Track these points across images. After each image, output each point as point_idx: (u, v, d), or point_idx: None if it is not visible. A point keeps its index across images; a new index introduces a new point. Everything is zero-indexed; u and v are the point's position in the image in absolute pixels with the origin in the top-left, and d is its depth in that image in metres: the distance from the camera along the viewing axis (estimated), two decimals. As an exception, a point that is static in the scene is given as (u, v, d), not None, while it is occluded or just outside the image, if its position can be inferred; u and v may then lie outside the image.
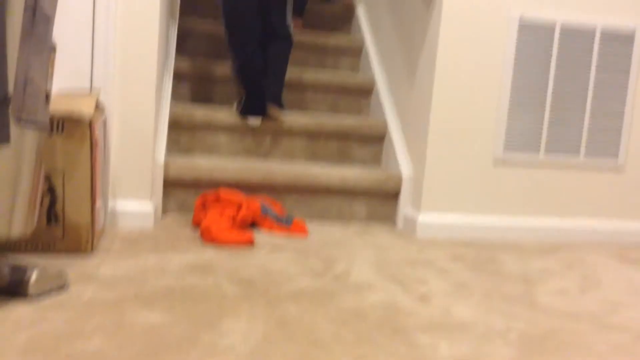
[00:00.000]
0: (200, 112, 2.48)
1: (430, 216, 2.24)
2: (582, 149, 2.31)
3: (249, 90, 2.46)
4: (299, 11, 2.85)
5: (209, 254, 1.76)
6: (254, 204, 2.15)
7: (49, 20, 1.28)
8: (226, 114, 2.50)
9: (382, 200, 2.41)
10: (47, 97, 1.30)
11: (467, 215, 2.27)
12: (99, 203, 1.68)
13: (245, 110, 2.48)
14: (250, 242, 1.89)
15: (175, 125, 2.45)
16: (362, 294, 1.48)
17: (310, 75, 2.88)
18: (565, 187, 2.33)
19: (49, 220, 1.55)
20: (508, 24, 2.20)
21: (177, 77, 2.72)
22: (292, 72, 2.84)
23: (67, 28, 1.88)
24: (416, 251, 1.98)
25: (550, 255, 2.07)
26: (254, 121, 2.48)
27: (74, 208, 1.57)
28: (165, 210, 2.24)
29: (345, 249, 1.94)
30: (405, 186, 2.36)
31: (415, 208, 2.29)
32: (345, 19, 3.48)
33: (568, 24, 2.23)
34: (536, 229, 2.31)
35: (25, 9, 1.22)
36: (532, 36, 2.22)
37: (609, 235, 2.37)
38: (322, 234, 2.14)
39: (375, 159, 2.66)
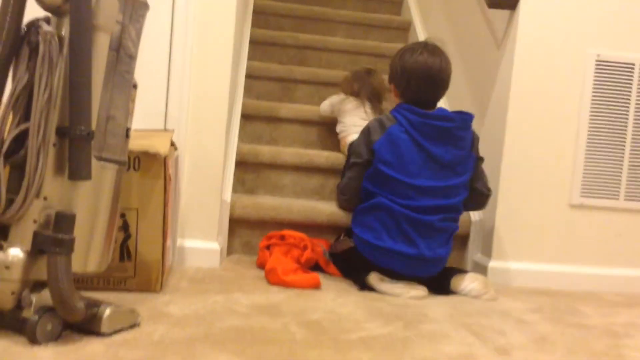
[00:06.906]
0: (267, 151, 2.48)
1: (502, 263, 2.14)
2: (666, 195, 2.18)
3: None
4: None
5: (276, 295, 1.72)
6: (318, 246, 2.11)
7: (132, 59, 1.31)
8: (291, 154, 2.49)
9: (450, 245, 2.32)
10: (127, 133, 1.32)
11: (542, 263, 2.16)
12: (169, 241, 1.69)
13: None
14: (317, 285, 1.85)
15: (241, 165, 2.46)
16: (436, 344, 1.41)
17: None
18: (645, 235, 2.20)
19: (122, 257, 1.56)
20: (585, 63, 2.13)
21: (244, 117, 2.75)
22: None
23: (144, 70, 1.92)
24: (490, 300, 1.89)
25: (634, 308, 1.94)
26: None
27: (145, 245, 1.57)
28: (229, 249, 2.23)
29: (414, 294, 1.87)
30: (474, 230, 2.27)
31: (485, 254, 2.20)
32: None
33: (648, 64, 2.14)
34: (616, 278, 2.18)
35: (110, 48, 1.26)
36: (610, 76, 2.13)
37: (697, 288, 2.21)
38: (389, 278, 2.07)
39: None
